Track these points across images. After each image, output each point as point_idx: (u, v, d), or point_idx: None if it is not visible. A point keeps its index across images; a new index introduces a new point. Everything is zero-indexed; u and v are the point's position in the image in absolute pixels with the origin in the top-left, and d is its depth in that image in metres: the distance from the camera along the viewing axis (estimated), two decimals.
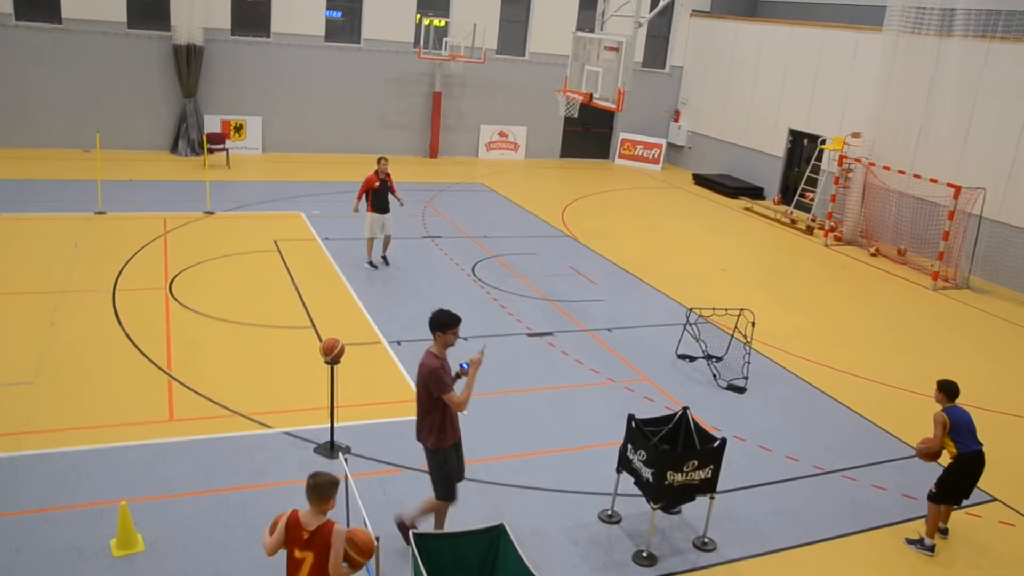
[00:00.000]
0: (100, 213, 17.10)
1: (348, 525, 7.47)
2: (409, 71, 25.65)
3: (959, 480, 8.21)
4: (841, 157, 20.70)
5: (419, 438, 7.37)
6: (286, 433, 9.36)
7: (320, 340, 11.61)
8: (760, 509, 8.74)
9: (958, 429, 8.13)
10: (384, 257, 15.54)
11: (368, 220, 15.09)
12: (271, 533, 5.61)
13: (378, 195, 14.96)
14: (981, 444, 8.19)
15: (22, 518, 7.53)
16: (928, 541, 8.30)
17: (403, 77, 25.70)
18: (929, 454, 8.33)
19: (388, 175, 15.10)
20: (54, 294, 12.78)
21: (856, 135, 20.63)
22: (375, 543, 5.70)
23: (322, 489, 5.52)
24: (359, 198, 15.05)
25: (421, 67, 25.64)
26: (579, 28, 25.52)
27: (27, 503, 7.74)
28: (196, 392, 10.14)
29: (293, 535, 5.53)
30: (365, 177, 15.05)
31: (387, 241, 15.46)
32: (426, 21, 25.01)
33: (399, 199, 15.35)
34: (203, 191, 18.83)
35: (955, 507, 8.56)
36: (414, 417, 9.84)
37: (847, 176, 20.65)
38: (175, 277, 13.93)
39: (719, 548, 8.02)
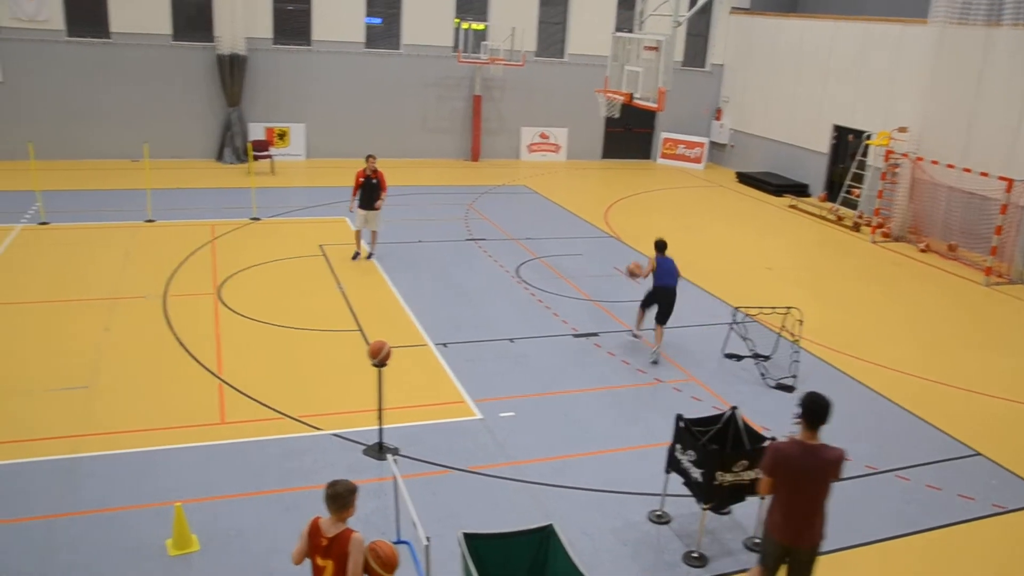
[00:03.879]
0: (150, 221, 17.44)
1: (398, 526, 7.53)
2: (449, 75, 25.78)
3: (651, 298, 12.23)
4: (887, 152, 20.38)
5: (814, 539, 6.47)
6: (335, 435, 9.45)
7: (367, 343, 11.72)
8: None
9: (658, 270, 12.09)
10: (370, 254, 15.92)
11: (355, 214, 15.65)
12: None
13: (363, 191, 15.36)
14: (673, 283, 12.08)
15: (81, 518, 7.70)
16: (635, 331, 12.67)
17: (443, 81, 25.82)
18: (633, 275, 12.55)
19: (376, 171, 15.38)
20: (107, 300, 13.04)
21: (902, 129, 20.28)
22: (398, 558, 5.63)
23: (341, 498, 5.46)
24: (353, 195, 15.48)
25: (461, 71, 25.75)
26: (618, 28, 25.48)
27: (86, 503, 7.92)
28: (246, 395, 10.28)
29: (314, 542, 5.50)
30: (355, 174, 15.53)
31: (373, 237, 15.90)
32: (465, 25, 25.12)
33: (381, 198, 15.48)
34: (249, 198, 19.10)
35: (662, 328, 12.13)
36: (460, 419, 9.99)
37: (894, 171, 20.31)
38: (223, 282, 14.14)
39: None
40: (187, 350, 11.45)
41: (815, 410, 6.25)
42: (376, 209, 15.42)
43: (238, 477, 8.54)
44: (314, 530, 5.51)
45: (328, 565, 5.46)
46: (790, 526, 6.42)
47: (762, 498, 7.66)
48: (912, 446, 10.13)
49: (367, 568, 5.48)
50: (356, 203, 15.44)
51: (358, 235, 15.86)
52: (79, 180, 20.78)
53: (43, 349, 11.24)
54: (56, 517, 7.69)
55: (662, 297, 12.07)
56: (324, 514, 5.58)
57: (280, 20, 24.01)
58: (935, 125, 19.65)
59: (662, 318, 12.12)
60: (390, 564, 5.55)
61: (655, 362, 11.96)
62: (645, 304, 12.40)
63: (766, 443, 7.71)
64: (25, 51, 21.81)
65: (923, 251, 19.21)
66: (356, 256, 15.75)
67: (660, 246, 12.26)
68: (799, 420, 6.38)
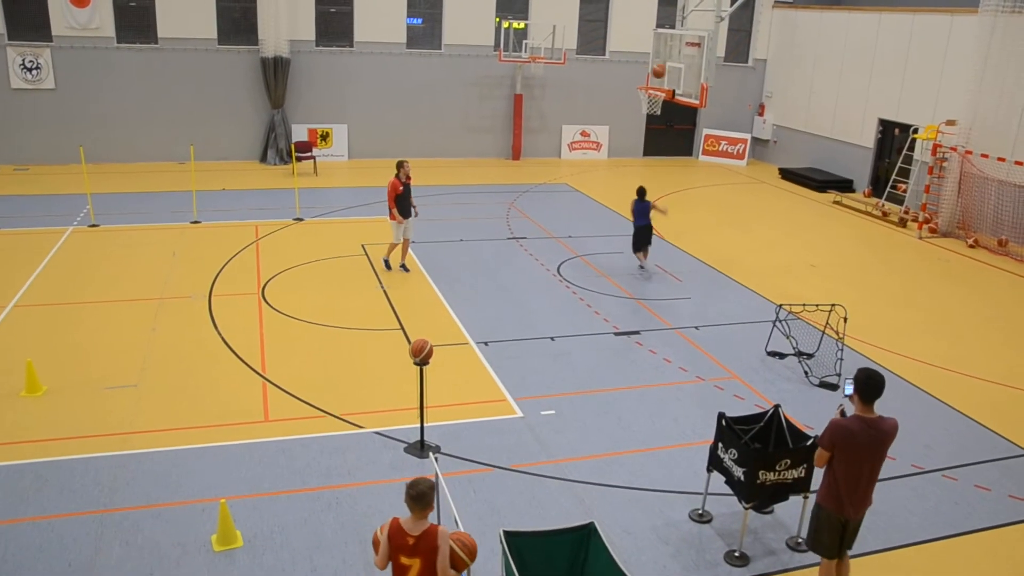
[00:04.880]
0: (195, 222, 17.74)
1: (439, 524, 7.58)
2: (490, 74, 25.84)
3: (635, 239, 15.60)
4: (935, 146, 20.00)
5: (867, 507, 6.76)
6: (377, 433, 9.53)
7: (409, 342, 11.81)
8: None
9: (635, 213, 15.39)
10: (403, 264, 15.17)
11: (394, 225, 14.67)
12: (377, 551, 5.65)
13: (402, 200, 14.45)
14: (646, 222, 15.43)
15: (129, 513, 7.86)
16: (642, 264, 15.89)
17: (484, 80, 25.90)
18: (657, 75, 16.68)
19: (409, 178, 14.57)
20: (154, 301, 13.30)
21: (951, 123, 19.89)
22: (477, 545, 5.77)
23: (425, 497, 5.52)
24: (393, 206, 14.45)
25: (502, 70, 25.80)
26: (659, 25, 25.32)
27: (134, 499, 8.08)
28: (289, 393, 10.41)
29: (397, 543, 5.54)
30: (389, 183, 14.52)
31: (406, 245, 15.04)
32: (505, 24, 25.17)
33: (414, 206, 14.85)
34: (292, 198, 19.35)
35: (645, 252, 15.72)
36: (501, 417, 10.03)
37: (941, 165, 19.93)
38: (267, 282, 14.33)
39: None
40: (232, 349, 11.63)
41: (871, 385, 6.45)
42: (414, 216, 14.93)
43: (281, 474, 8.65)
44: (396, 531, 5.56)
45: (415, 563, 5.54)
46: (853, 498, 6.59)
47: (802, 496, 7.61)
48: (960, 445, 9.94)
49: (452, 558, 5.59)
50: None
51: (392, 248, 15.02)
52: (128, 183, 21.20)
53: (94, 348, 11.49)
54: (107, 512, 7.87)
55: (640, 234, 15.57)
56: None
57: (322, 22, 24.27)
58: (985, 118, 19.23)
59: (644, 246, 15.65)
60: (474, 551, 5.72)
61: (644, 269, 15.71)
62: (636, 246, 15.67)
63: (809, 442, 7.64)
64: (77, 58, 22.33)
65: (972, 247, 18.84)
66: (388, 265, 15.08)
67: (640, 192, 15.59)
68: (853, 396, 6.55)
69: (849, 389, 6.54)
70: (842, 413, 6.66)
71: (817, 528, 6.83)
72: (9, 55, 21.78)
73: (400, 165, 14.60)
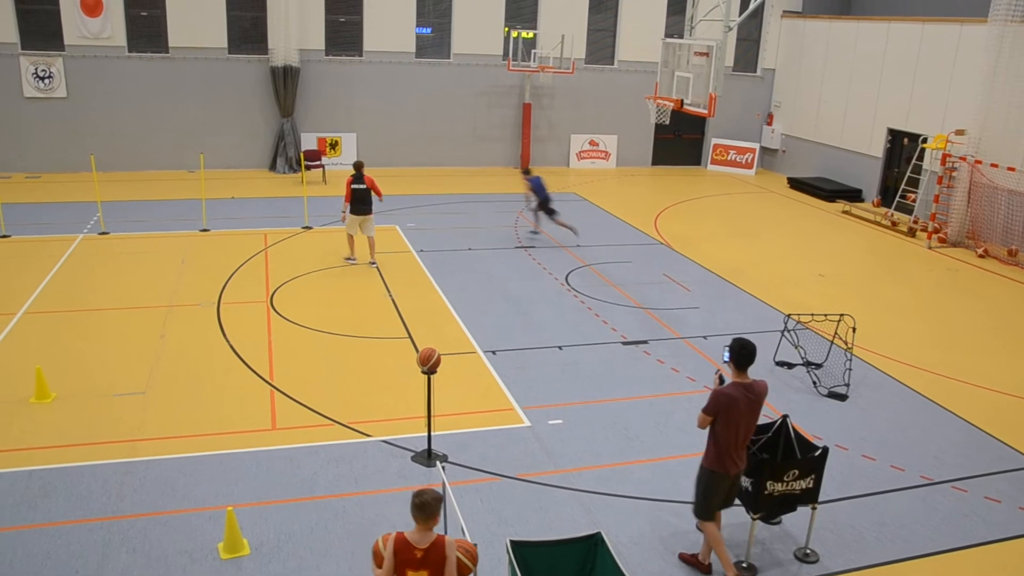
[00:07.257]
0: (205, 230, 17.80)
1: (446, 533, 7.56)
2: (499, 83, 25.90)
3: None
4: (944, 155, 19.94)
5: (744, 464, 7.38)
6: (384, 441, 9.53)
7: (417, 350, 11.82)
8: (864, 520, 8.47)
9: (535, 189, 17.62)
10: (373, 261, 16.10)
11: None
12: (379, 565, 5.60)
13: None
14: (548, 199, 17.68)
15: (136, 520, 7.88)
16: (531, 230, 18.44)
17: (493, 90, 25.95)
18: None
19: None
20: (163, 308, 13.34)
21: (960, 132, 19.84)
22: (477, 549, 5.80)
23: (431, 507, 5.48)
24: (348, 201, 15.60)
25: (511, 79, 25.85)
26: (668, 34, 25.35)
27: (141, 507, 8.10)
28: (297, 401, 10.43)
29: (404, 557, 5.50)
30: (370, 180, 15.73)
31: (372, 243, 16.09)
32: (514, 34, 25.22)
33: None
34: (301, 207, 19.40)
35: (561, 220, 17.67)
36: (508, 426, 10.03)
37: (951, 175, 19.88)
38: (276, 290, 14.37)
39: (821, 560, 7.80)
40: (240, 357, 11.66)
41: (744, 354, 7.12)
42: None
43: (289, 482, 8.66)
44: (402, 546, 5.51)
45: (422, 575, 5.52)
46: (735, 456, 7.23)
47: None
48: (969, 457, 9.88)
49: (457, 565, 5.61)
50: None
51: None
52: (138, 191, 21.30)
53: (104, 355, 11.54)
54: (114, 519, 7.88)
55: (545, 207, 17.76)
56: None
57: (332, 32, 24.38)
58: (995, 127, 19.17)
59: (553, 214, 17.73)
60: (476, 557, 5.77)
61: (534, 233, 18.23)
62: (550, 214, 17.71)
63: (818, 452, 7.61)
64: (88, 67, 22.48)
65: (981, 256, 18.76)
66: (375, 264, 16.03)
67: (525, 172, 18.07)
68: (728, 363, 7.20)
69: (727, 356, 7.17)
70: (720, 379, 7.35)
71: (706, 493, 7.37)
72: (22, 64, 21.94)
73: (361, 164, 15.91)
